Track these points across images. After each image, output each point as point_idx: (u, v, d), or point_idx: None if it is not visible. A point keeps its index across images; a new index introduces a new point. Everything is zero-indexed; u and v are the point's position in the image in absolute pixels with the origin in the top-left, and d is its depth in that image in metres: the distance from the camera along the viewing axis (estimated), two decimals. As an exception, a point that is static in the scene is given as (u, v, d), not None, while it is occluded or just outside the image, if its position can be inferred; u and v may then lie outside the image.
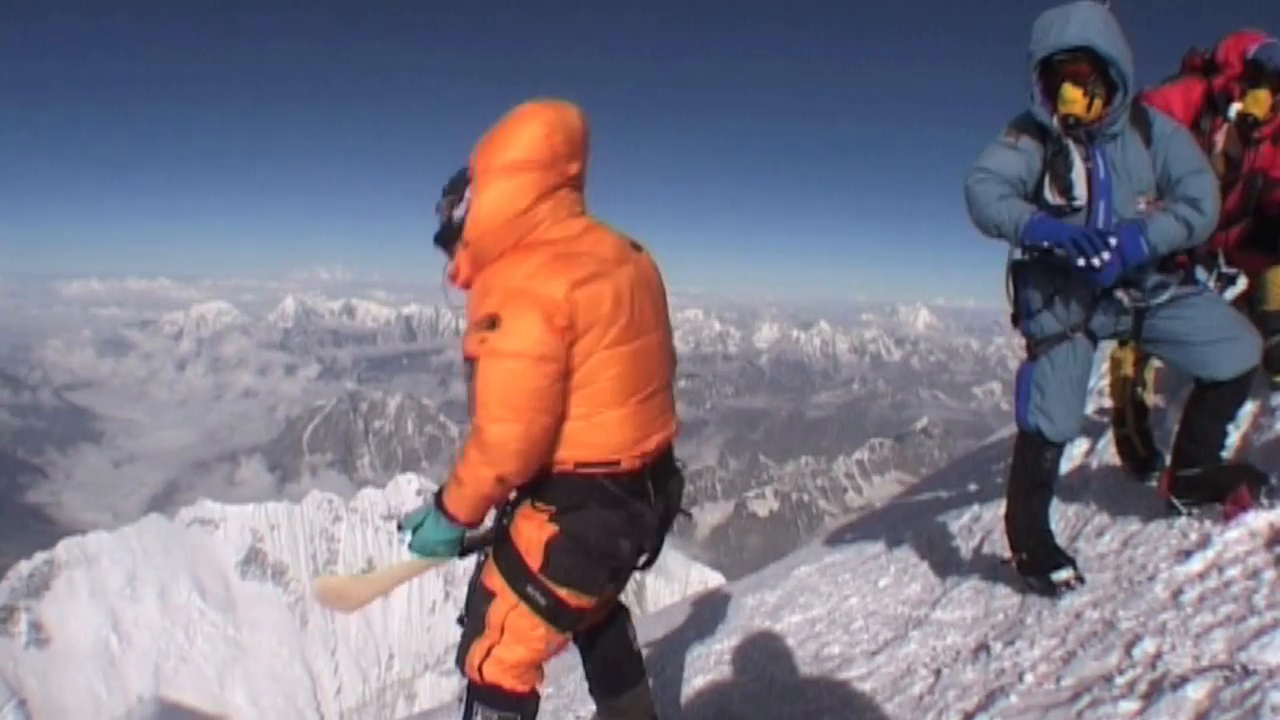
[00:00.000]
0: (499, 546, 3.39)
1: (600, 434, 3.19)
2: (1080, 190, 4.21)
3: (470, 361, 3.05)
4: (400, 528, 3.40)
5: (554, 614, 3.29)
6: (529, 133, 3.11)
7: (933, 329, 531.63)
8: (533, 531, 3.26)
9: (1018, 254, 4.47)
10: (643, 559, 3.49)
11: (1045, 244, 4.09)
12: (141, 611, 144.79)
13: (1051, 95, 4.20)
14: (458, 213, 3.27)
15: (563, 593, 3.26)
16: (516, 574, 3.28)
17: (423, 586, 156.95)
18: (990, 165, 4.30)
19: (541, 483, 3.22)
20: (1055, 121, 4.21)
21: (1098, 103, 4.13)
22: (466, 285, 3.29)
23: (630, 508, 3.27)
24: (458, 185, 3.30)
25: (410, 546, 3.38)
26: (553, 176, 3.18)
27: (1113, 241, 3.95)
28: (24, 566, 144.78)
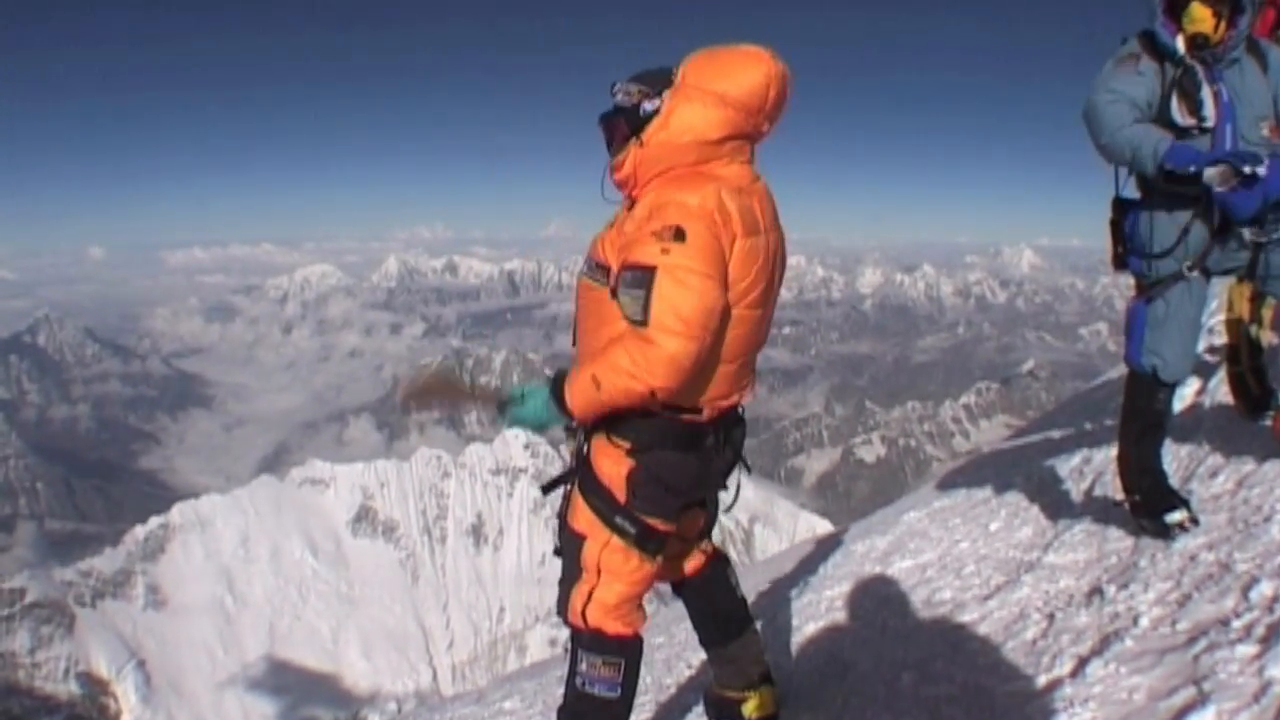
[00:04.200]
0: (584, 481, 3.44)
1: (705, 383, 3.22)
2: (1210, 111, 4.09)
3: (644, 270, 3.00)
4: (506, 400, 3.42)
5: (643, 540, 3.34)
6: (752, 75, 3.13)
7: (1038, 269, 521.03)
8: (611, 467, 3.32)
9: (1130, 189, 4.41)
10: (720, 499, 3.75)
11: (1191, 169, 3.94)
12: (255, 571, 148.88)
13: (1173, 14, 4.12)
14: (649, 105, 3.24)
15: (649, 520, 3.32)
16: (606, 506, 3.34)
17: (532, 540, 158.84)
18: (1119, 86, 4.20)
19: (621, 417, 3.24)
20: (1180, 41, 4.12)
21: (1222, 24, 4.04)
22: (624, 183, 3.33)
23: (702, 453, 3.36)
24: (657, 80, 3.27)
25: (506, 415, 3.41)
26: (748, 125, 3.22)
27: (1263, 168, 3.83)
28: (139, 531, 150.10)
